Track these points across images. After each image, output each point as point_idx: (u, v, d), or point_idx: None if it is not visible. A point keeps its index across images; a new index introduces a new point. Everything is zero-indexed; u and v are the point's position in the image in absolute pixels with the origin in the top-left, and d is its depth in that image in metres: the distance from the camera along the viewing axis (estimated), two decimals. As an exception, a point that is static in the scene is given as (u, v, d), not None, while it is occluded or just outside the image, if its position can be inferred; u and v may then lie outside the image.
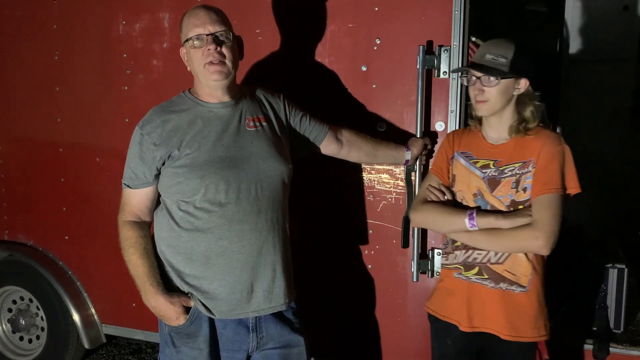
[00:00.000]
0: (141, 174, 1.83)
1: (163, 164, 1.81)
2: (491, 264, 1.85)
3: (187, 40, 1.82)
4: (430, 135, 2.26)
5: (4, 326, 3.29)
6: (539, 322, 1.86)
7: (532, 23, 3.65)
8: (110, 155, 2.80)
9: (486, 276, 1.86)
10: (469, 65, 1.90)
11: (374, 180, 2.38)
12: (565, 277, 2.67)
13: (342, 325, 2.53)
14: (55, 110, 2.91)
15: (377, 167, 2.36)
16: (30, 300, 3.18)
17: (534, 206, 1.78)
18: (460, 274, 1.91)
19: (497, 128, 1.90)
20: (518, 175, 1.83)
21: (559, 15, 3.64)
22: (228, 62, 1.81)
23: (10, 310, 3.27)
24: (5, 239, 3.17)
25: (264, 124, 1.91)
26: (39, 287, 3.06)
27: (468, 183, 1.91)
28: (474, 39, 2.33)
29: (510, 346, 1.85)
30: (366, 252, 2.43)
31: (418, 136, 2.21)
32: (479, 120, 1.95)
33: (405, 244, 2.25)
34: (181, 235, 1.81)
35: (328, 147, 2.14)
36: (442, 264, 2.03)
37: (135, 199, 1.87)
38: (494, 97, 1.82)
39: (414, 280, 2.28)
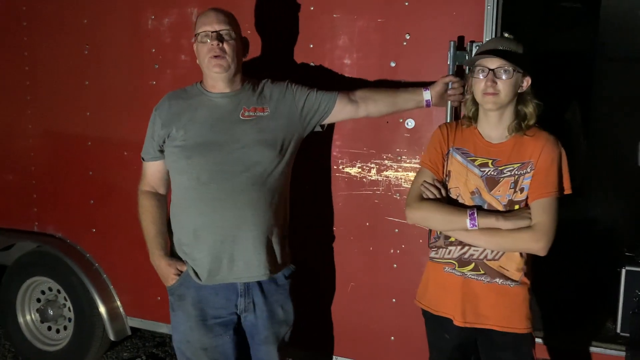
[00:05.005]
0: (150, 149, 2.14)
1: (164, 142, 2.07)
2: (487, 260, 1.87)
3: (196, 36, 2.05)
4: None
5: (32, 315, 3.35)
6: (529, 315, 1.89)
7: (565, 19, 3.56)
8: (138, 149, 2.78)
9: (482, 272, 1.88)
10: (484, 53, 1.81)
11: (401, 179, 2.35)
12: (590, 279, 2.62)
13: (366, 324, 2.50)
14: (85, 104, 2.95)
15: (404, 165, 2.33)
16: (59, 291, 3.23)
17: (535, 209, 1.81)
18: (454, 269, 1.91)
19: (497, 126, 1.88)
20: (517, 176, 1.84)
21: (593, 12, 3.55)
22: (228, 57, 2.02)
23: (39, 300, 3.33)
24: (35, 230, 3.22)
25: (261, 114, 2.07)
26: (67, 279, 3.11)
27: (465, 181, 1.89)
28: (506, 35, 2.27)
29: (507, 338, 1.88)
30: (391, 251, 2.40)
31: None
32: (474, 118, 1.92)
33: (432, 243, 2.22)
34: (177, 209, 2.10)
35: (343, 110, 2.17)
36: (431, 258, 1.99)
37: (150, 170, 2.18)
38: (505, 90, 1.79)
39: (441, 280, 2.24)
